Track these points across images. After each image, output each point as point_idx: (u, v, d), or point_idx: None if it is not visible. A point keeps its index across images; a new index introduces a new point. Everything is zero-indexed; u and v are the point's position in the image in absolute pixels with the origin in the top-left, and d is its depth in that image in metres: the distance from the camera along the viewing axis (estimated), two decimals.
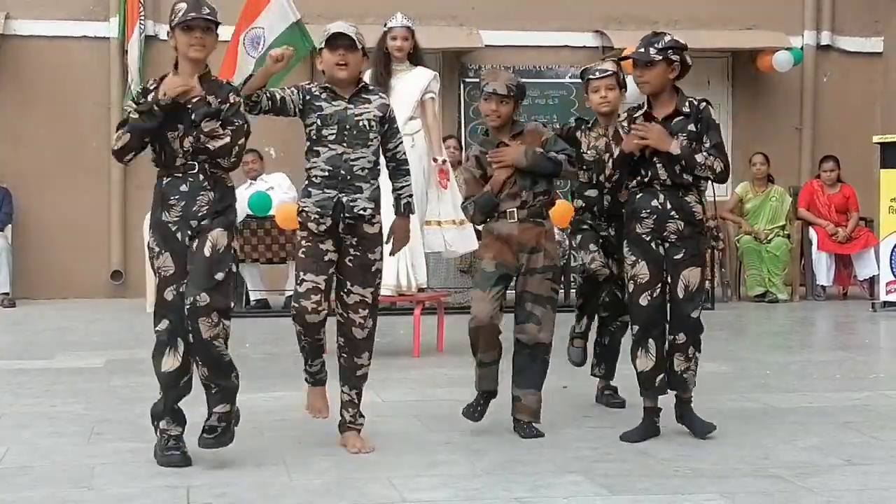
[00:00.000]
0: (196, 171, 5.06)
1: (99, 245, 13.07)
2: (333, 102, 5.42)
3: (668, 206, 5.55)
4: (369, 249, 5.45)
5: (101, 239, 13.08)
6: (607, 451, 5.38)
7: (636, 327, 5.61)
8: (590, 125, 6.44)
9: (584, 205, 6.42)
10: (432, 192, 8.63)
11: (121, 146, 5.05)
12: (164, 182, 5.09)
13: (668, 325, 5.61)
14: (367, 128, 5.42)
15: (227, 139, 5.06)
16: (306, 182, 5.48)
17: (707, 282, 5.39)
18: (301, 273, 5.41)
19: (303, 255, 5.42)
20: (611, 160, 5.78)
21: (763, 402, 6.41)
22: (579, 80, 6.77)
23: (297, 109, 5.41)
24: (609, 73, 6.37)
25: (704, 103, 5.62)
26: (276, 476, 4.95)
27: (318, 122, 5.40)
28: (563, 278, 11.80)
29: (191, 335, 5.03)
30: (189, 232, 5.05)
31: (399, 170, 5.58)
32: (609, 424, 5.96)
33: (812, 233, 12.86)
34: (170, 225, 5.05)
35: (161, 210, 5.08)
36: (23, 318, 11.18)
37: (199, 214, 5.04)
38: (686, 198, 5.57)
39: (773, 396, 6.65)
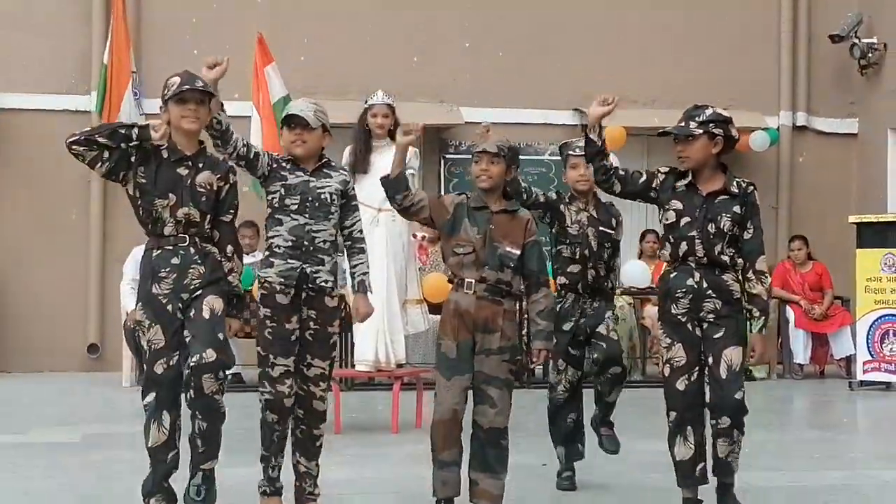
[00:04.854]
0: (187, 244, 5.07)
1: (76, 318, 12.99)
2: (296, 173, 5.48)
3: (705, 284, 5.35)
4: (329, 322, 5.47)
5: (78, 312, 13.01)
6: None
7: (673, 413, 5.36)
8: (568, 200, 6.32)
9: (567, 282, 6.25)
10: (412, 269, 8.64)
11: (80, 134, 4.98)
12: (155, 254, 5.09)
13: (709, 410, 5.36)
14: (329, 201, 5.48)
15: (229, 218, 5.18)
16: (267, 253, 5.49)
17: None
18: (271, 356, 5.39)
19: (269, 336, 5.39)
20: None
21: (743, 481, 6.36)
22: (559, 157, 6.72)
23: (263, 171, 5.45)
24: None
25: (752, 187, 5.50)
26: None
27: (282, 190, 5.45)
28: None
29: (192, 391, 5.02)
30: (180, 305, 5.05)
31: (354, 248, 5.63)
32: None
33: (789, 311, 12.90)
34: (160, 298, 5.04)
35: (151, 282, 5.06)
36: None
37: (191, 287, 5.06)
38: (723, 276, 5.37)
39: (753, 475, 6.62)
